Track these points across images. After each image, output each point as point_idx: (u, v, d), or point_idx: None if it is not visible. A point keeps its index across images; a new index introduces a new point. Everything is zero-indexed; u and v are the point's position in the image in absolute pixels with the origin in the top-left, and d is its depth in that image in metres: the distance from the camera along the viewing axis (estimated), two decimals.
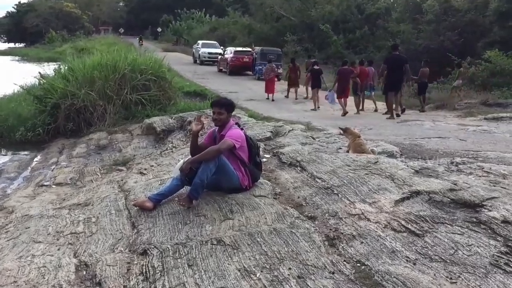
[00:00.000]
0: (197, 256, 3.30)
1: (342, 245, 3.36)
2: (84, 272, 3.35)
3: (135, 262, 3.40)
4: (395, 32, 27.21)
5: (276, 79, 19.13)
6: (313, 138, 7.12)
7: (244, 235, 3.55)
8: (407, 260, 3.04)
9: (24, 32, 68.20)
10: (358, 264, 3.09)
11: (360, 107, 13.19)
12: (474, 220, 3.40)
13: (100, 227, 4.11)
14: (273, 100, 15.41)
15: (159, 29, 62.22)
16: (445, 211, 3.60)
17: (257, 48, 24.49)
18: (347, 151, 5.98)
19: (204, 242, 3.48)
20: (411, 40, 25.17)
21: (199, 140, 4.63)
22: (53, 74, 13.00)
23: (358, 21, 32.59)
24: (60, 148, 10.07)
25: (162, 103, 11.73)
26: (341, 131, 6.32)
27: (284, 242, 3.40)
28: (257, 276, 3.00)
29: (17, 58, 46.54)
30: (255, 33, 37.56)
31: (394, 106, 11.50)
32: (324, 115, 11.95)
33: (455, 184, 3.95)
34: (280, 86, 17.67)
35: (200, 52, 30.88)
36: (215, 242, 3.47)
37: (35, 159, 9.62)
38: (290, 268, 3.06)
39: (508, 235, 3.09)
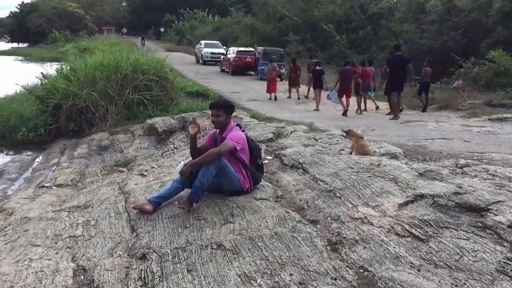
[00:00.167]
0: (197, 261, 3.25)
1: (345, 250, 3.29)
2: (82, 277, 3.29)
3: (134, 267, 3.34)
4: (398, 32, 27.09)
5: (278, 79, 19.17)
6: (316, 140, 7.05)
7: (244, 239, 3.48)
8: (411, 266, 2.97)
9: (27, 32, 68.29)
10: (361, 270, 3.03)
11: (363, 108, 13.14)
12: (480, 224, 3.33)
13: (99, 230, 4.06)
14: (275, 99, 15.36)
15: (162, 29, 62.23)
16: (449, 215, 3.53)
17: (260, 48, 24.43)
18: (350, 153, 5.90)
19: (204, 247, 3.42)
20: (414, 40, 25.04)
21: (200, 142, 4.57)
22: (55, 74, 12.99)
23: (361, 21, 32.45)
24: (62, 149, 10.04)
25: (164, 103, 11.69)
26: (344, 134, 6.24)
27: (285, 247, 3.34)
28: (258, 282, 2.94)
29: (20, 58, 46.59)
30: (258, 33, 37.46)
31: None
32: (326, 116, 11.87)
33: (460, 188, 3.88)
34: (283, 86, 17.61)
35: (202, 52, 30.85)
36: (215, 247, 3.40)
37: (37, 160, 9.60)
38: (291, 274, 2.99)
39: None
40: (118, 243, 3.78)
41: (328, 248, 3.36)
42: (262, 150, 5.63)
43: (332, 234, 3.54)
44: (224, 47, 30.76)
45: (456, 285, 2.73)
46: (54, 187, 6.84)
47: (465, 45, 22.73)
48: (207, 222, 3.87)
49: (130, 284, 3.13)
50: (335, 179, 4.55)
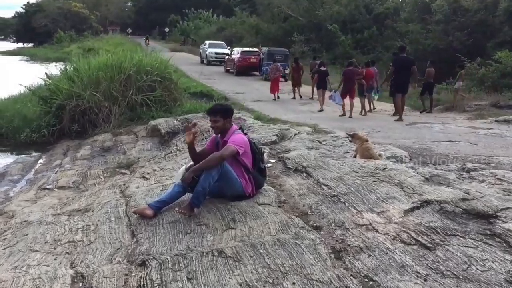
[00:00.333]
0: (197, 269, 3.17)
1: (349, 258, 3.21)
2: (80, 284, 3.22)
3: (133, 274, 3.27)
4: (403, 32, 26.90)
5: (282, 79, 19.13)
6: (320, 142, 6.96)
7: (246, 246, 3.41)
8: (417, 276, 2.88)
9: (32, 32, 68.49)
10: (366, 280, 2.94)
11: (368, 109, 13.04)
12: (488, 232, 3.24)
13: (99, 235, 3.99)
14: (278, 98, 15.31)
15: (166, 29, 62.29)
16: (457, 222, 3.44)
17: (264, 49, 24.35)
18: (354, 156, 5.82)
19: (204, 254, 3.35)
20: (420, 40, 24.85)
21: (203, 144, 4.48)
22: (59, 75, 12.96)
23: (367, 21, 32.27)
24: (65, 150, 10.01)
25: (167, 104, 11.64)
26: (349, 137, 6.15)
27: (288, 254, 3.26)
28: None
29: (25, 58, 46.74)
30: (263, 33, 37.34)
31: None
32: (331, 117, 11.77)
33: (467, 193, 3.78)
34: (287, 87, 17.52)
35: (207, 52, 30.79)
36: (216, 254, 3.33)
37: (39, 161, 9.57)
38: (294, 283, 2.91)
39: None
40: (118, 249, 3.71)
41: (332, 256, 3.28)
42: (265, 153, 5.56)
43: (336, 241, 3.46)
44: (229, 48, 30.68)
45: None
46: (56, 190, 6.79)
47: (471, 46, 22.53)
48: (209, 228, 3.79)
49: None
50: (339, 184, 4.47)
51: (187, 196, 4.24)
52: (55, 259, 3.61)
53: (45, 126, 10.82)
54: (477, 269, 2.87)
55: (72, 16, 67.49)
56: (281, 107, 13.56)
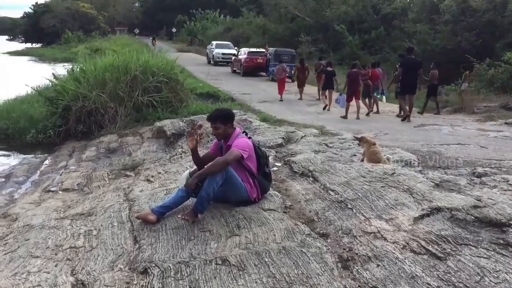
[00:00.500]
0: (200, 278, 3.08)
1: (357, 267, 3.11)
2: None
3: (135, 282, 3.19)
4: (411, 33, 26.67)
5: (289, 80, 19.05)
6: (327, 145, 6.85)
7: (251, 254, 3.31)
8: None
9: (41, 33, 68.76)
10: None
11: (375, 110, 12.93)
12: (501, 241, 3.13)
13: (101, 241, 3.91)
14: (281, 99, 15.24)
15: (174, 30, 62.40)
16: (468, 230, 3.33)
17: (271, 49, 24.26)
18: (362, 160, 5.71)
19: (208, 262, 3.26)
20: (428, 40, 24.61)
21: (208, 146, 4.39)
22: (65, 75, 12.95)
23: (374, 22, 32.07)
24: (70, 151, 9.97)
25: (173, 105, 11.58)
26: (357, 140, 6.04)
27: (293, 263, 3.16)
28: None
29: (34, 58, 46.94)
30: (270, 34, 37.24)
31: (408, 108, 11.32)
32: (338, 118, 11.64)
33: (479, 200, 3.67)
34: (294, 88, 17.42)
35: (214, 53, 30.76)
36: (219, 262, 3.24)
37: (45, 162, 9.54)
38: None
39: None
40: (120, 255, 3.63)
41: (339, 265, 3.18)
42: (271, 157, 5.48)
43: (343, 249, 3.36)
44: (236, 48, 30.62)
45: None
46: (60, 192, 6.75)
47: (479, 46, 22.27)
48: (212, 235, 3.70)
49: None
50: (347, 189, 4.37)
51: (191, 200, 4.16)
52: (55, 266, 3.54)
53: (51, 127, 10.80)
54: (490, 281, 2.77)
55: (80, 16, 67.73)
56: (288, 108, 13.45)
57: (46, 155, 10.16)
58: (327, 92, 13.87)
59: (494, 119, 11.49)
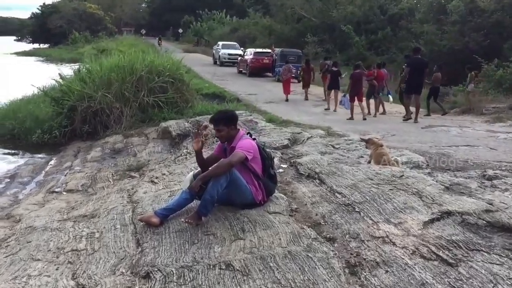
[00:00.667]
0: (203, 283, 3.01)
1: (365, 273, 3.01)
2: None
3: (137, 287, 3.12)
4: (418, 33, 26.49)
5: (295, 80, 18.98)
6: (333, 147, 6.75)
7: (255, 258, 3.23)
8: None
9: (48, 33, 69.08)
10: None
11: (381, 111, 12.82)
12: None
13: (103, 243, 3.84)
14: (287, 100, 15.14)
15: (180, 30, 62.50)
16: (480, 235, 3.23)
17: (277, 50, 24.21)
18: (369, 162, 5.61)
19: (211, 266, 3.18)
20: (435, 41, 24.43)
21: (213, 147, 4.32)
22: (72, 76, 12.95)
23: (381, 22, 31.90)
24: (76, 152, 9.93)
25: (179, 105, 11.52)
26: (364, 142, 5.94)
27: (299, 269, 3.08)
28: None
29: (41, 58, 47.15)
30: (276, 34, 37.21)
31: (412, 108, 11.24)
32: (344, 119, 11.53)
33: (490, 204, 3.56)
34: (299, 88, 17.34)
35: (220, 53, 30.74)
36: (223, 267, 3.16)
37: (50, 163, 9.50)
38: None
39: None
40: (122, 259, 3.56)
41: (346, 271, 3.09)
42: (276, 158, 5.39)
43: (351, 254, 3.26)
44: (242, 48, 30.58)
45: None
46: (64, 193, 6.70)
47: (487, 47, 22.06)
48: (216, 238, 3.62)
49: None
50: (354, 192, 4.27)
51: (195, 203, 4.08)
52: (56, 269, 3.48)
53: (56, 127, 10.77)
54: None
55: (87, 17, 67.99)
56: (294, 109, 13.36)
57: (51, 155, 10.14)
58: (332, 93, 13.79)
59: (503, 120, 11.33)
